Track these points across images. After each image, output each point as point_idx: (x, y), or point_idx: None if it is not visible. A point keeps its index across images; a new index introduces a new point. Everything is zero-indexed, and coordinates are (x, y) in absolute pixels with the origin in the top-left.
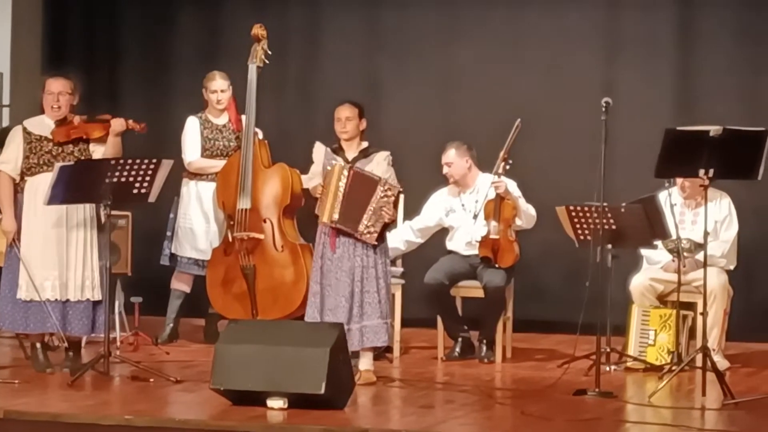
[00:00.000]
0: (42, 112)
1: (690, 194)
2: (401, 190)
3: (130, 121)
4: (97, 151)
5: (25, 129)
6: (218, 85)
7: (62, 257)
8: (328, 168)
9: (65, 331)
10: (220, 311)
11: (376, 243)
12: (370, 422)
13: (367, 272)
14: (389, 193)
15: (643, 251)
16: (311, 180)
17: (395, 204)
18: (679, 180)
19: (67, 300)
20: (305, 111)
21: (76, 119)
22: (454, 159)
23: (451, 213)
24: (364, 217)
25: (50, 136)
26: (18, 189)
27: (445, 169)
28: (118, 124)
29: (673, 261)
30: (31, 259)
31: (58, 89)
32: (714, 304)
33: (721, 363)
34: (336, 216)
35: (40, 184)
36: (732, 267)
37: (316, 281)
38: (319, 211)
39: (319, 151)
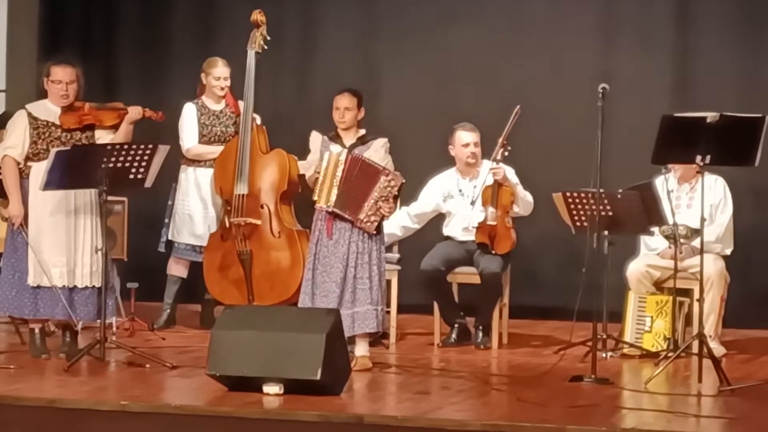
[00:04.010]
0: (43, 96)
1: (683, 175)
2: (404, 181)
3: (147, 110)
4: (103, 138)
5: (30, 114)
6: (221, 72)
7: (71, 243)
8: (325, 155)
9: (72, 318)
10: (216, 297)
11: (375, 233)
12: (366, 408)
13: (361, 258)
14: (392, 183)
15: (643, 236)
16: (308, 170)
17: (397, 195)
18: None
19: (74, 286)
20: (302, 96)
21: (86, 105)
22: (478, 141)
23: (448, 198)
24: (365, 206)
25: (58, 122)
26: (23, 174)
27: (472, 149)
28: (135, 112)
29: (670, 248)
30: (39, 245)
31: (66, 78)
32: (711, 291)
33: (718, 349)
34: (333, 200)
35: None
36: (728, 251)
37: (309, 267)
38: (316, 196)
39: (316, 140)
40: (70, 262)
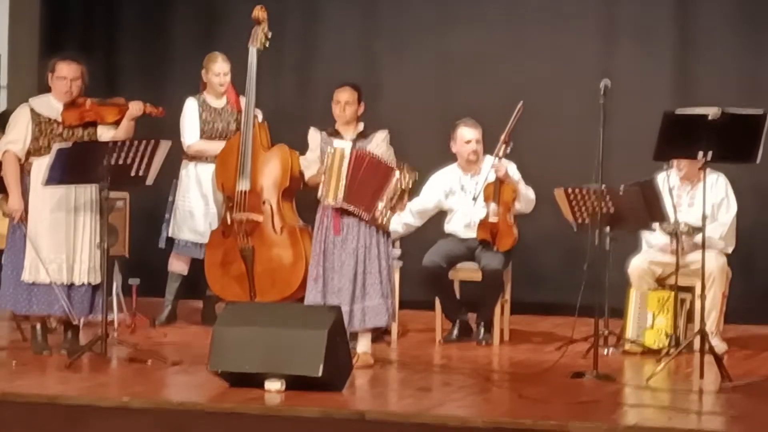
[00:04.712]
0: (47, 91)
1: (687, 174)
2: (416, 177)
3: (148, 105)
4: (105, 135)
5: (32, 110)
6: (221, 68)
7: (69, 241)
8: (329, 151)
9: (69, 314)
10: (218, 293)
11: (389, 229)
12: (368, 405)
13: (369, 252)
14: (406, 178)
15: (644, 233)
16: (308, 168)
17: (409, 191)
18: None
19: (72, 284)
20: (304, 93)
21: (88, 102)
22: (480, 137)
23: (450, 195)
24: (380, 202)
25: (60, 119)
26: (24, 170)
27: (474, 146)
28: (136, 108)
29: (671, 243)
30: (38, 241)
31: (71, 75)
32: (712, 287)
33: (719, 346)
34: (341, 196)
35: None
36: (731, 249)
37: (317, 265)
38: (322, 193)
39: (315, 137)
40: (68, 259)
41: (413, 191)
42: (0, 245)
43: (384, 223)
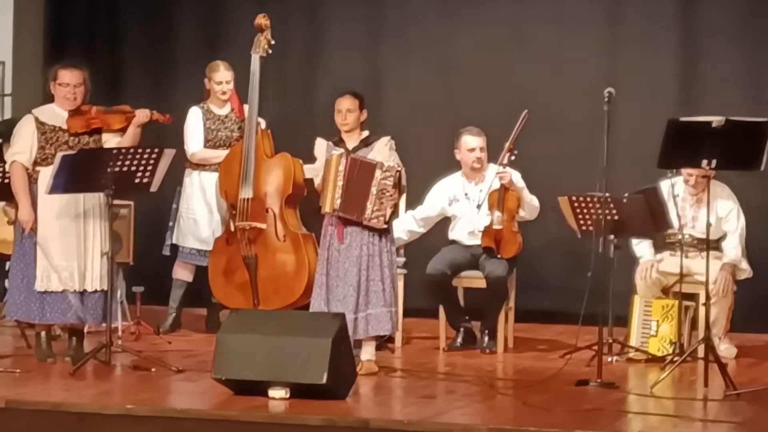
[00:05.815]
0: (50, 100)
1: (695, 184)
2: (399, 169)
3: (155, 113)
4: (110, 142)
5: (37, 119)
6: (222, 76)
7: (81, 247)
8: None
9: (83, 321)
10: (221, 301)
11: (385, 227)
12: (372, 412)
13: (372, 261)
14: (388, 174)
15: (634, 246)
16: (316, 177)
17: (397, 185)
18: (685, 171)
19: (84, 290)
20: (307, 100)
21: (93, 109)
22: (484, 145)
23: (454, 202)
24: (368, 203)
25: (65, 127)
26: (32, 179)
27: (478, 154)
28: (142, 115)
29: (657, 258)
30: (48, 249)
31: (74, 81)
32: (717, 295)
33: (729, 350)
34: (337, 204)
35: None
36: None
37: (322, 273)
38: (321, 202)
39: (321, 146)
40: (80, 266)
41: (406, 197)
42: (6, 251)
43: (376, 222)
